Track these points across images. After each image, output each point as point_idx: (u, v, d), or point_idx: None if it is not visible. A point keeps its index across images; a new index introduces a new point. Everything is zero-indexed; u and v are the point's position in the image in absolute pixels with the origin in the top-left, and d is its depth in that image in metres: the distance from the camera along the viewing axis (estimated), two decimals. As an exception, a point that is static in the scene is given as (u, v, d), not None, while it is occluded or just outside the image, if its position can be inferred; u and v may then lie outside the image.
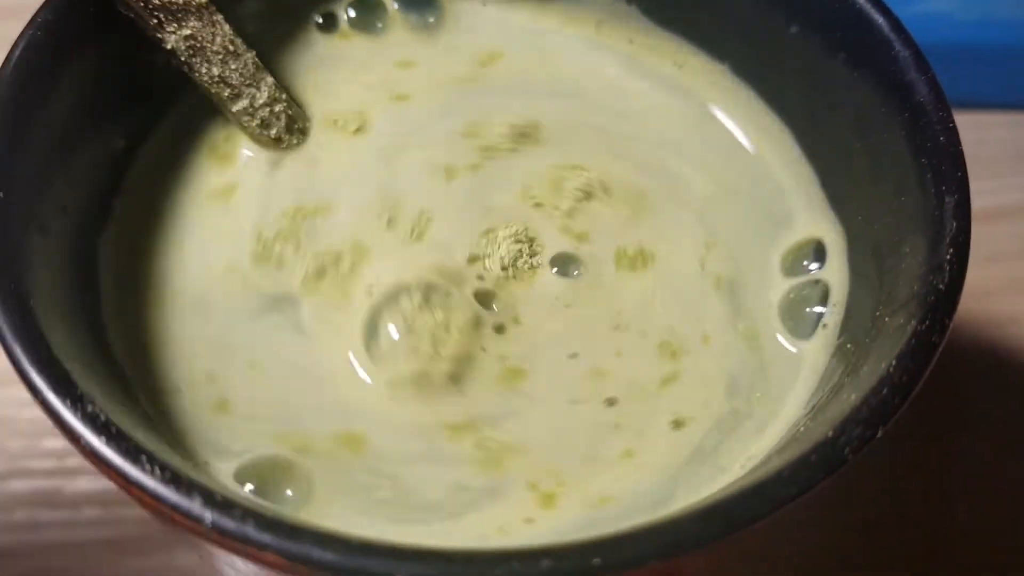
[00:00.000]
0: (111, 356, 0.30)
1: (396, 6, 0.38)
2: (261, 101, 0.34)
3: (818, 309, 0.32)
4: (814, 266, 0.33)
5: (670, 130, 0.37)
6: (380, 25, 0.38)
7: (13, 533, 0.41)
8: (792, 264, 0.34)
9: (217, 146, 0.35)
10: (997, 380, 0.46)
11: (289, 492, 0.28)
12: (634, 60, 0.38)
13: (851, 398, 0.25)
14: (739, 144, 0.36)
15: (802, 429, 0.26)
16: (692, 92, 0.37)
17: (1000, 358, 0.47)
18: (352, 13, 0.38)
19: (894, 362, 0.25)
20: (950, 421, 0.44)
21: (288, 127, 0.35)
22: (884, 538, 0.42)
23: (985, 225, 0.42)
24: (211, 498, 0.22)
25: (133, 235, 0.33)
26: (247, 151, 0.35)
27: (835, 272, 0.33)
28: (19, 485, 0.42)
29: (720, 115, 0.37)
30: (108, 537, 0.41)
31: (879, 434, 0.23)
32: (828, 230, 0.34)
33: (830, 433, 0.23)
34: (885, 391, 0.24)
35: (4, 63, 0.29)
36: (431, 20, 0.38)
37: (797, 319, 0.32)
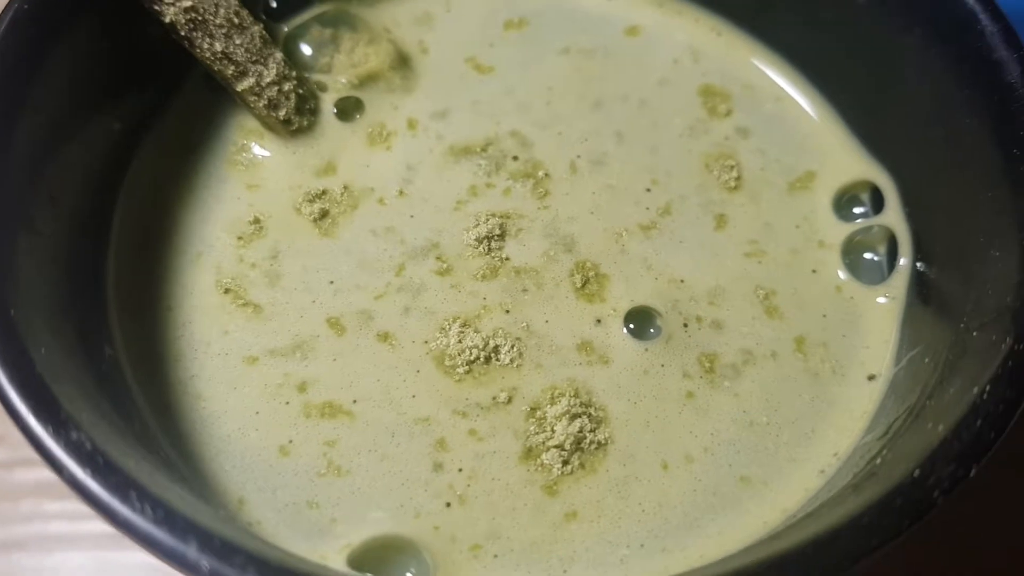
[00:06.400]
0: (117, 370, 0.28)
1: None
2: (269, 79, 0.31)
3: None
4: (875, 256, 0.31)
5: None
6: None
7: (19, 523, 0.38)
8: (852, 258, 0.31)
9: (226, 136, 0.32)
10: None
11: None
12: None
13: (938, 428, 0.21)
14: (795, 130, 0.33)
15: (879, 461, 0.23)
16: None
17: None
18: None
19: (987, 387, 0.21)
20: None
21: (298, 107, 0.31)
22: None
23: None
24: (208, 542, 0.20)
25: (138, 239, 0.30)
26: (261, 150, 0.32)
27: (901, 272, 0.30)
28: (24, 475, 0.40)
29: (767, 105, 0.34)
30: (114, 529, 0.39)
31: (972, 473, 0.20)
32: (897, 222, 0.31)
33: (916, 472, 0.20)
34: (979, 423, 0.21)
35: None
36: None
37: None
